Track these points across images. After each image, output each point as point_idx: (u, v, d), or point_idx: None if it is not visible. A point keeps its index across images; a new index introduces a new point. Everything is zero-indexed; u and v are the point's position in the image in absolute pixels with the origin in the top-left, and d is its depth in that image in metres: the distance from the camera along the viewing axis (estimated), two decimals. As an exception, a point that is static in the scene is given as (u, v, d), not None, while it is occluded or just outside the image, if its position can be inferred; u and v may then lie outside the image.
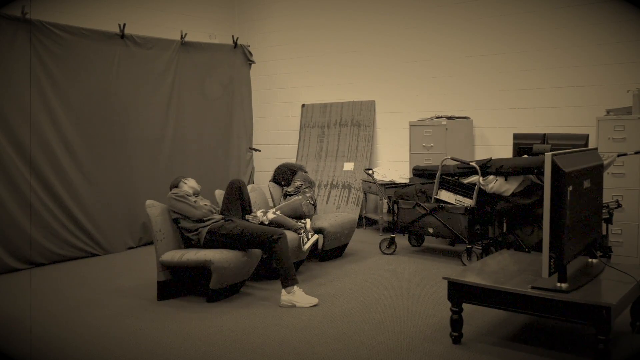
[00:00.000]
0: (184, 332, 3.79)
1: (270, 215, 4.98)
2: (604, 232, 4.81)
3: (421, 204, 5.52)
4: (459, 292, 3.44)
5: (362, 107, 7.73)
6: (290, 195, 5.52)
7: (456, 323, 3.48)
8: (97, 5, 6.93)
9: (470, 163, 5.37)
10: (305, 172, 5.82)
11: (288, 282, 4.29)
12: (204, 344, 3.58)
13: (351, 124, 7.79)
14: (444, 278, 3.51)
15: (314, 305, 4.23)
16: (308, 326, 3.84)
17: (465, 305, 3.47)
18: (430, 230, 5.50)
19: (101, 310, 4.28)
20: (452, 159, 5.53)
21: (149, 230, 5.52)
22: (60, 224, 5.76)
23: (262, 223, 4.89)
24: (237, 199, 4.86)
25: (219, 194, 5.18)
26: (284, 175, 5.73)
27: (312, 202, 5.49)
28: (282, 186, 5.76)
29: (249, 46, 7.68)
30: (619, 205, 4.95)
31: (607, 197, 4.73)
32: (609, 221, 4.84)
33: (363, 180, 7.18)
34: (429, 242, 6.24)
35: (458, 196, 5.40)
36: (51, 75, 5.70)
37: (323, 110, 8.10)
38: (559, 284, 3.13)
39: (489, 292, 3.32)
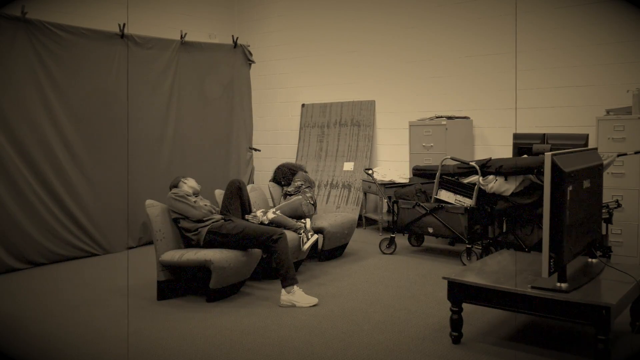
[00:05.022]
0: (184, 331, 3.79)
1: (270, 215, 4.98)
2: (604, 232, 4.81)
3: (421, 204, 5.52)
4: (458, 292, 3.45)
5: (362, 107, 7.73)
6: (290, 195, 5.53)
7: (456, 323, 3.48)
8: (97, 5, 6.93)
9: (470, 163, 5.37)
10: (305, 172, 5.82)
11: (288, 281, 4.29)
12: (203, 343, 3.58)
13: (351, 123, 7.79)
14: (444, 278, 3.51)
15: (314, 305, 4.23)
16: (308, 326, 3.84)
17: (465, 305, 3.47)
18: (430, 230, 5.50)
19: (101, 310, 4.28)
20: (452, 158, 5.53)
21: (148, 230, 5.52)
22: (60, 223, 5.75)
23: (262, 223, 4.90)
24: (237, 199, 4.86)
25: (219, 193, 5.18)
26: (285, 175, 5.73)
27: (312, 202, 5.49)
28: (282, 186, 5.76)
29: (249, 46, 7.68)
30: (619, 205, 4.95)
31: (606, 197, 4.73)
32: (608, 221, 4.84)
33: (363, 180, 7.18)
34: (429, 242, 6.24)
35: (458, 196, 5.40)
36: (51, 75, 5.70)
37: (323, 110, 8.10)
38: (558, 284, 3.14)
39: (488, 292, 3.33)
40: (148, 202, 4.59)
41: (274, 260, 4.37)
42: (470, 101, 6.75)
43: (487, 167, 5.25)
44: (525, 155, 5.41)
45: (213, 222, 4.56)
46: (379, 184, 6.54)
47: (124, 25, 6.21)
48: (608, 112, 5.43)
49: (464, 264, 5.19)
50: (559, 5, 6.09)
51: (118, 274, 5.33)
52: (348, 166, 7.65)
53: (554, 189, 3.00)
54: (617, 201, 4.95)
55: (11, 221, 5.40)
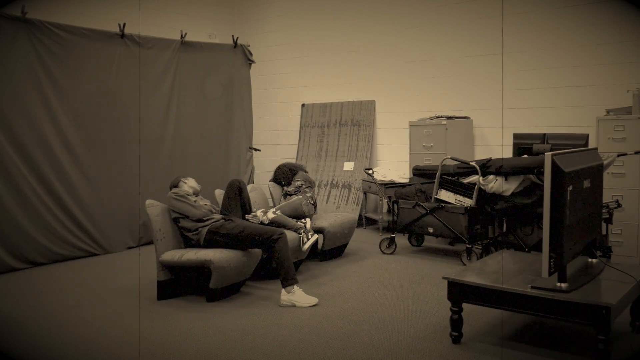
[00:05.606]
0: (184, 331, 3.79)
1: (270, 214, 4.99)
2: (604, 232, 4.81)
3: (421, 204, 5.52)
4: (458, 292, 3.45)
5: (362, 107, 7.73)
6: (291, 195, 5.53)
7: (456, 323, 3.48)
8: (97, 5, 6.93)
9: (470, 163, 5.37)
10: (305, 172, 5.83)
11: (288, 281, 4.29)
12: (203, 343, 3.59)
13: (351, 123, 7.79)
14: (444, 278, 3.51)
15: (314, 305, 4.23)
16: (308, 326, 3.84)
17: (465, 305, 3.47)
18: (430, 230, 5.50)
19: (101, 309, 4.29)
20: (452, 158, 5.53)
21: (149, 230, 5.52)
22: (60, 223, 5.75)
23: (262, 223, 4.90)
24: (237, 199, 4.86)
25: (219, 193, 5.18)
26: (285, 175, 5.73)
27: (312, 202, 5.50)
28: (282, 186, 5.76)
29: (249, 46, 7.68)
30: (619, 205, 4.95)
31: (607, 197, 4.73)
32: (608, 221, 4.84)
33: (363, 180, 7.18)
34: (429, 241, 6.24)
35: (458, 196, 5.40)
36: (51, 75, 5.70)
37: (323, 110, 8.10)
38: (558, 284, 3.14)
39: (488, 291, 3.33)
40: (148, 201, 4.60)
41: (274, 260, 4.37)
42: (471, 101, 6.75)
43: (487, 167, 5.25)
44: (525, 155, 5.41)
45: (213, 222, 4.56)
46: (379, 183, 6.54)
47: (124, 25, 6.21)
48: (608, 112, 5.43)
49: (464, 264, 5.19)
50: (559, 6, 6.09)
51: (118, 273, 5.33)
52: (348, 166, 7.65)
53: (554, 189, 3.00)
54: (617, 201, 4.95)
55: (11, 221, 5.40)
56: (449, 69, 6.92)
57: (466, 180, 5.43)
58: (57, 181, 5.74)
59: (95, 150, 6.07)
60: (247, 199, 4.98)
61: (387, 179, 6.68)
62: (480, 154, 6.57)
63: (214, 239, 4.46)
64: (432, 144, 6.48)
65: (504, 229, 5.36)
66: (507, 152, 6.23)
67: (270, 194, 5.74)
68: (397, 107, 7.41)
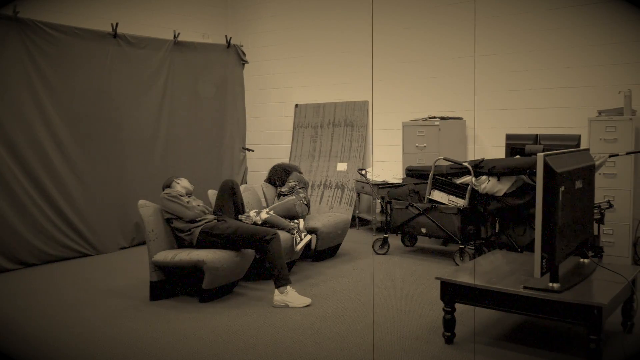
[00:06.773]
0: (177, 332, 3.78)
1: (264, 215, 4.98)
2: (596, 232, 4.83)
3: (414, 204, 5.53)
4: (451, 292, 3.45)
5: (356, 108, 7.73)
6: (284, 195, 5.53)
7: (449, 323, 3.49)
8: (89, 5, 6.90)
9: (463, 163, 5.38)
10: (300, 172, 5.83)
11: (281, 282, 4.29)
12: (196, 344, 3.58)
13: (344, 124, 7.79)
14: (437, 278, 3.52)
15: (307, 306, 4.23)
16: (301, 326, 3.84)
17: (457, 305, 3.48)
18: (423, 230, 5.51)
19: (93, 310, 4.27)
20: (445, 159, 5.54)
21: (141, 231, 5.50)
22: (52, 224, 5.73)
23: (255, 223, 4.89)
24: (230, 199, 4.85)
25: (212, 194, 5.17)
26: (279, 176, 5.73)
27: (305, 203, 5.50)
28: (276, 186, 5.76)
29: (242, 46, 7.67)
30: (611, 206, 4.98)
31: (598, 198, 4.75)
32: (600, 221, 4.87)
33: (356, 181, 7.18)
34: (422, 242, 6.25)
35: (451, 196, 5.41)
36: (43, 75, 5.67)
37: (316, 110, 8.10)
38: (551, 284, 3.15)
39: (481, 292, 3.34)
40: (141, 202, 4.58)
41: (267, 260, 4.37)
42: (464, 102, 6.77)
43: (479, 168, 5.27)
44: (517, 156, 5.43)
45: (206, 223, 4.55)
46: (372, 184, 6.55)
47: (117, 24, 6.19)
48: (600, 113, 5.45)
49: (457, 264, 5.20)
50: (550, 7, 6.12)
51: (110, 274, 5.31)
52: (341, 166, 7.66)
53: (546, 189, 3.01)
54: (608, 201, 4.98)
55: (3, 221, 5.37)
56: (442, 69, 6.93)
57: (459, 181, 5.44)
58: (49, 181, 5.71)
59: (88, 150, 6.04)
60: (240, 200, 4.97)
61: (380, 179, 6.69)
62: (473, 154, 6.59)
63: (206, 240, 4.45)
64: (425, 145, 6.49)
65: (497, 230, 5.38)
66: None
67: (264, 194, 5.74)
68: (390, 108, 7.42)
